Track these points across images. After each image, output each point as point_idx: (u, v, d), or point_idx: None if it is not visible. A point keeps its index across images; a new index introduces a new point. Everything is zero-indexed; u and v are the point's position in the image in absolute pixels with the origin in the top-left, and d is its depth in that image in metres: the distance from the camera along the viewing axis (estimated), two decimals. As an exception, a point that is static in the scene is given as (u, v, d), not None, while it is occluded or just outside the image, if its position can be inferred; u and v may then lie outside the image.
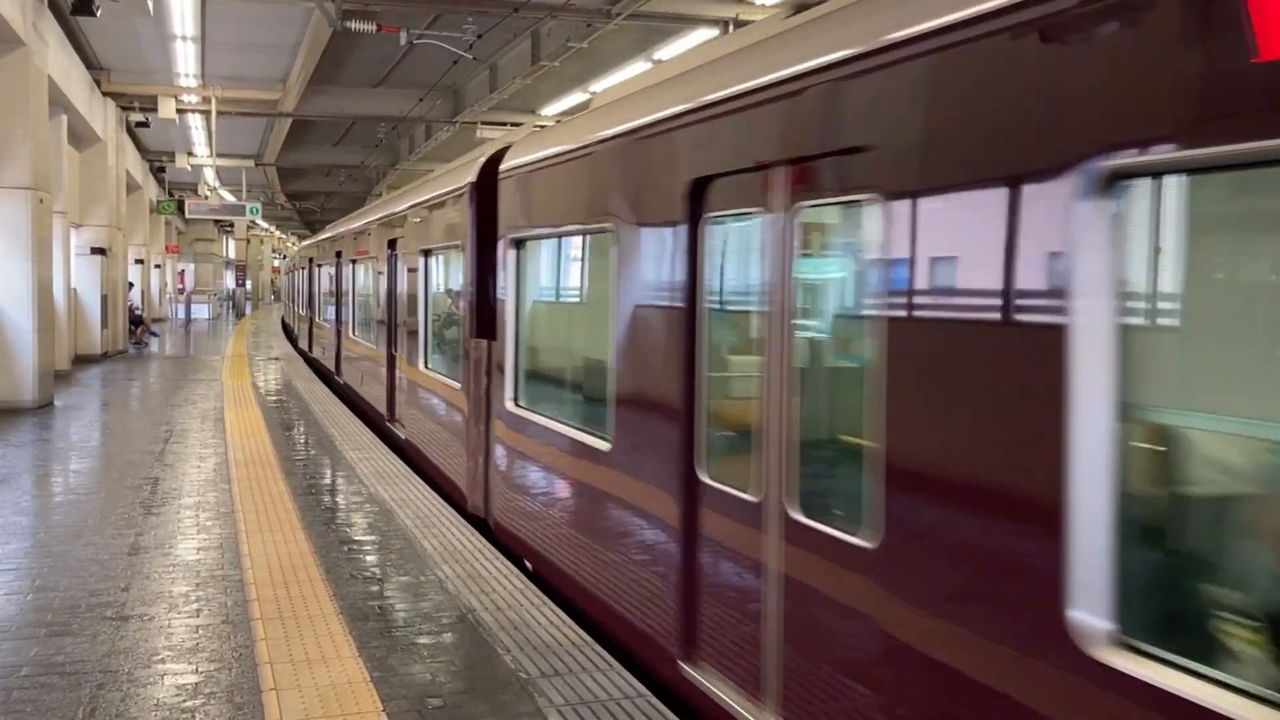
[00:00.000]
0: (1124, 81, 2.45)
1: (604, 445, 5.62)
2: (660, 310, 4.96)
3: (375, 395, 13.91)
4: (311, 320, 24.48)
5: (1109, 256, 2.54)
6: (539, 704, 4.48)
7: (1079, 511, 2.56)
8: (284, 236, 75.73)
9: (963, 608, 2.98)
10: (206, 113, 24.83)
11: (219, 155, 30.53)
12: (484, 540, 7.25)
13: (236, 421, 12.94)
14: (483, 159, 8.32)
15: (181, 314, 41.05)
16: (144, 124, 25.78)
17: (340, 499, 8.59)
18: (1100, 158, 2.51)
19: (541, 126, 8.90)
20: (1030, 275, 2.74)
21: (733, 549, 4.33)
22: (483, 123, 25.17)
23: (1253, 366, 2.46)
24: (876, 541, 3.36)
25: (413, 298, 11.24)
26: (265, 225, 61.63)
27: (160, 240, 39.69)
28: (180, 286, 47.73)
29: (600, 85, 21.95)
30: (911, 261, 3.24)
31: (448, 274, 10.23)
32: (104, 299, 22.99)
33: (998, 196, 2.86)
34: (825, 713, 3.66)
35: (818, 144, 3.71)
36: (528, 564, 6.99)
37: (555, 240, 6.93)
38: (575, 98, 23.54)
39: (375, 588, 6.13)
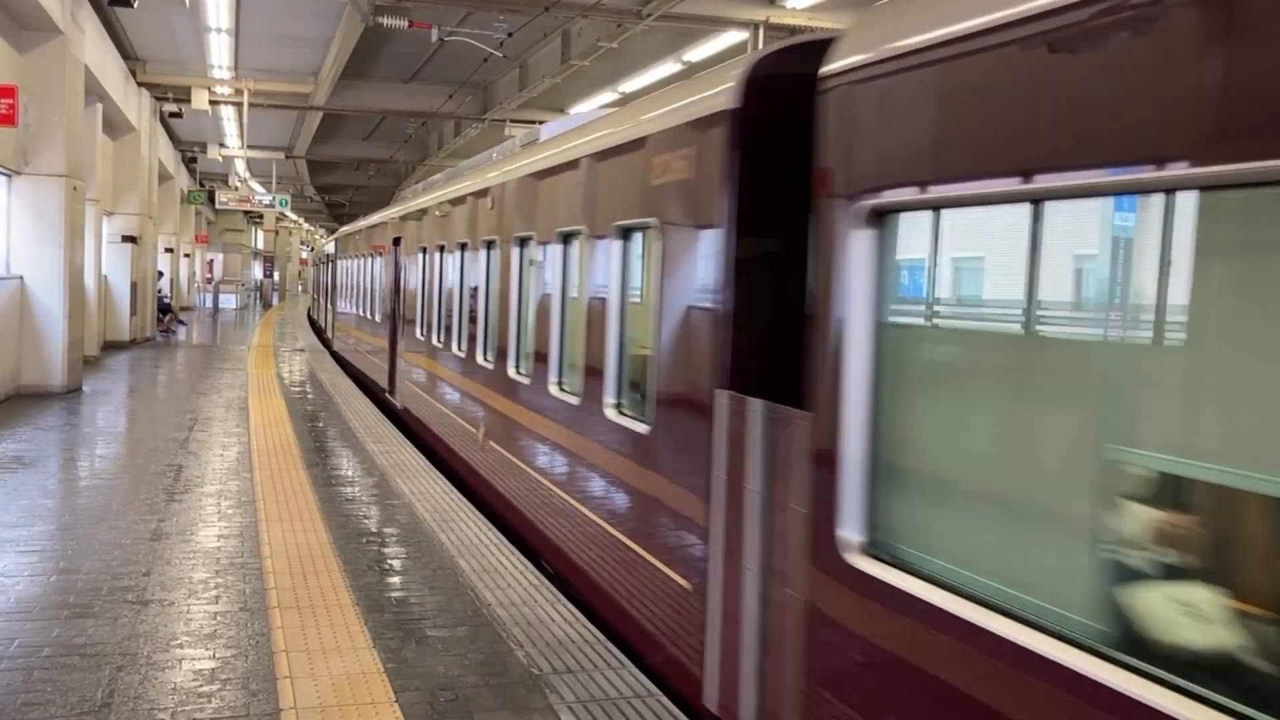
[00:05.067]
0: None
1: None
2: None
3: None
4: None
5: None
6: (550, 700, 4.51)
7: None
8: (313, 229, 76.20)
9: None
10: (238, 105, 25.05)
11: (250, 147, 30.81)
12: (500, 535, 7.29)
13: (260, 411, 13.05)
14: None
15: (209, 303, 41.40)
16: (177, 115, 26.06)
17: (360, 491, 8.66)
18: None
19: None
20: None
21: None
22: (511, 120, 25.26)
23: None
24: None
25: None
26: (294, 217, 62.05)
27: (190, 230, 40.06)
28: (208, 276, 48.14)
29: (630, 86, 22.00)
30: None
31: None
32: (133, 286, 23.23)
33: None
34: None
35: None
36: None
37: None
38: (605, 97, 23.58)
39: (392, 580, 6.18)
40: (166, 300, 28.99)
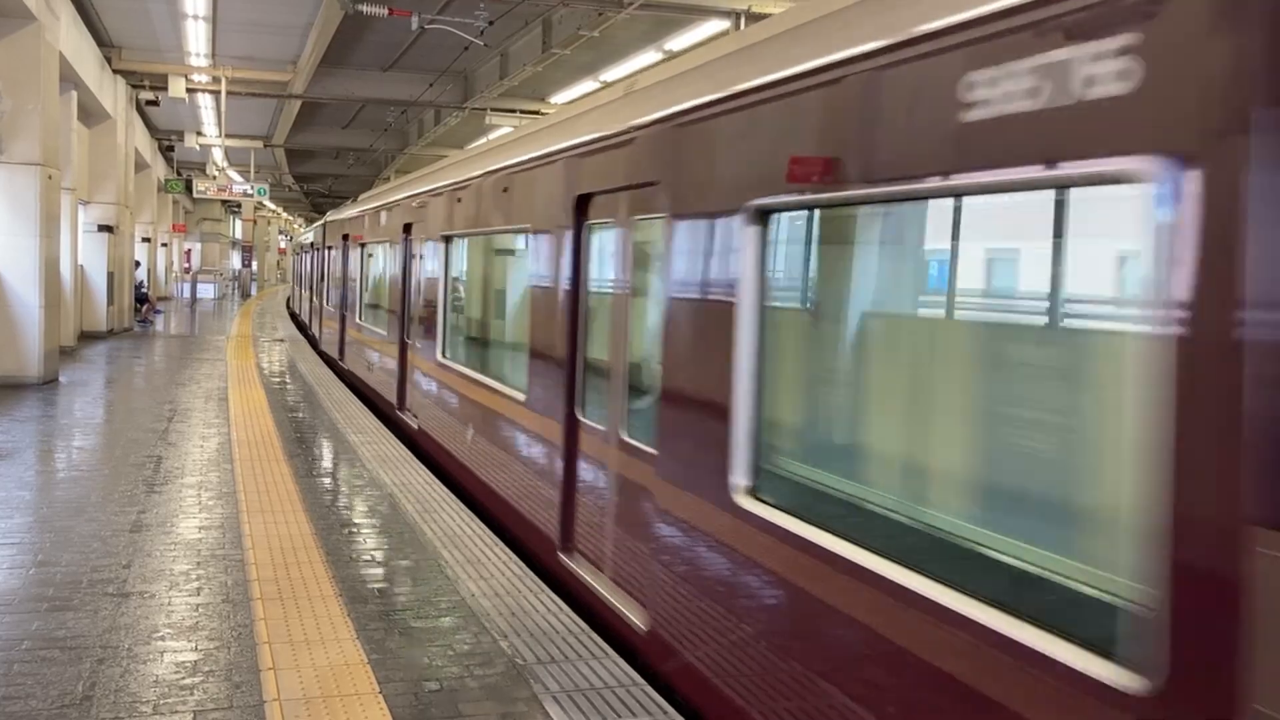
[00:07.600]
0: None
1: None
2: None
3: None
4: None
5: None
6: (534, 690, 4.51)
7: None
8: (291, 218, 75.68)
9: None
10: (216, 93, 24.82)
11: (228, 135, 30.52)
12: (484, 526, 7.28)
13: (240, 402, 12.98)
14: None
15: (187, 293, 41.08)
16: (154, 102, 25.80)
17: (342, 482, 8.63)
18: None
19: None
20: None
21: None
22: (492, 109, 25.15)
23: None
24: None
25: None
26: (273, 207, 61.54)
27: (167, 219, 39.70)
28: (186, 265, 47.74)
29: (611, 75, 21.91)
30: None
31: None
32: (110, 276, 23.03)
33: None
34: None
35: None
36: None
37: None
38: (585, 86, 23.48)
39: (375, 571, 6.16)
40: (144, 290, 28.76)
